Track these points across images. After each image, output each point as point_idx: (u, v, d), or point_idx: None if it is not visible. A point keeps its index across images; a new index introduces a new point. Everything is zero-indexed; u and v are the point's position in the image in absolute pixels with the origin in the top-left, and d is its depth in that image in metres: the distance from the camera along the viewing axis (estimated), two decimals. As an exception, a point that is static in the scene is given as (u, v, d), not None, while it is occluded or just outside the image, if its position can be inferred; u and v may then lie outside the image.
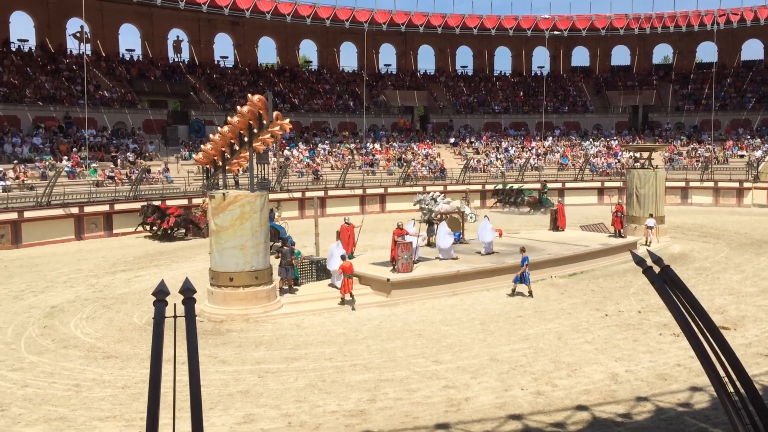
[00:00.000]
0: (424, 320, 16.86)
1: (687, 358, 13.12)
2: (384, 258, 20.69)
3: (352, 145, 47.54)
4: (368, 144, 48.24)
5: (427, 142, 50.68)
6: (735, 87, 55.94)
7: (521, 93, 58.03)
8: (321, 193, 37.09)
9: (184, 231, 31.04)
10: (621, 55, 62.22)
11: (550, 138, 53.20)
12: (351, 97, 53.36)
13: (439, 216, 24.87)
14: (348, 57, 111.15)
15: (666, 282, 4.40)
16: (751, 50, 68.95)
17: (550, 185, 44.46)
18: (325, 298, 18.24)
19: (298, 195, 38.20)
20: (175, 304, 6.21)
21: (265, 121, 17.28)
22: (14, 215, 28.03)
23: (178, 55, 49.93)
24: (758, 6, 52.11)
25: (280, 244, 22.72)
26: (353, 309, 17.75)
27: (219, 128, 19.28)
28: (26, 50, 42.61)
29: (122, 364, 13.69)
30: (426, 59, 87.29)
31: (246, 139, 17.59)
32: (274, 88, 48.97)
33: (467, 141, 51.84)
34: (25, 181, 31.07)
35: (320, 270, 20.06)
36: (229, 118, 18.34)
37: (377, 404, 11.48)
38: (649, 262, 4.72)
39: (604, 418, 10.68)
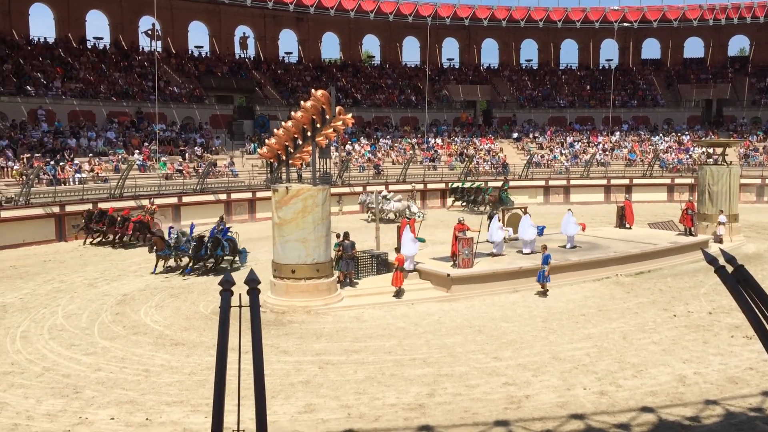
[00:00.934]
0: (484, 316, 16.73)
1: (760, 361, 12.59)
2: (444, 253, 20.61)
3: (414, 140, 47.50)
4: (430, 139, 48.11)
5: (489, 137, 50.17)
6: (818, 79, 53.09)
7: (588, 87, 56.69)
8: (382, 188, 37.24)
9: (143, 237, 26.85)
10: (694, 47, 59.85)
11: (618, 133, 51.80)
12: (413, 91, 53.31)
13: (489, 209, 24.58)
14: (410, 51, 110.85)
15: (739, 282, 4.23)
16: (836, 40, 65.11)
17: (615, 181, 43.34)
18: (385, 291, 18.32)
19: (359, 189, 38.46)
20: (240, 294, 6.37)
21: (327, 116, 17.46)
22: (90, 206, 29.26)
23: (244, 51, 50.99)
24: None
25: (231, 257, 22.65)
26: (395, 297, 17.93)
27: (283, 123, 19.59)
28: (101, 48, 44.34)
29: (189, 351, 14.12)
30: (489, 53, 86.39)
31: (309, 133, 17.82)
32: (337, 83, 49.41)
33: (531, 136, 51.05)
34: (100, 174, 32.36)
35: (380, 264, 20.16)
36: (292, 113, 18.62)
37: (436, 399, 11.47)
38: (721, 261, 4.54)
39: (670, 420, 10.36)
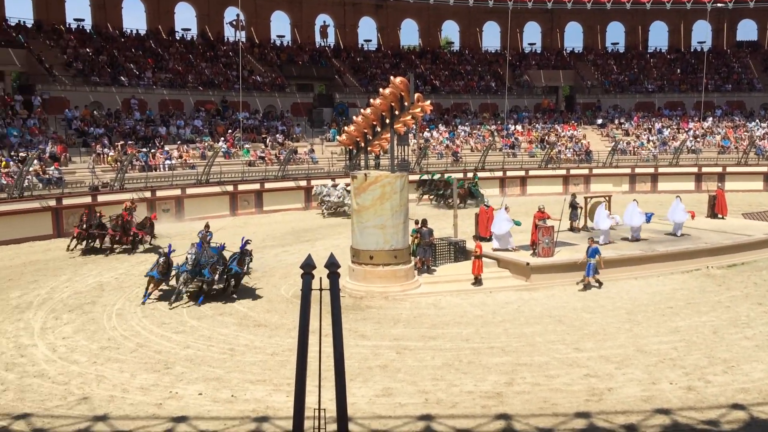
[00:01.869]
0: (564, 306, 16.40)
1: None
2: (524, 241, 20.29)
3: (493, 127, 46.84)
4: (509, 125, 47.32)
5: (572, 123, 48.83)
6: None
7: (678, 70, 54.17)
8: (460, 175, 36.98)
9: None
10: (796, 27, 56.00)
11: (710, 118, 49.32)
12: (493, 77, 52.52)
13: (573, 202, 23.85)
14: (491, 37, 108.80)
15: None
16: None
17: (707, 169, 41.35)
18: (463, 279, 18.22)
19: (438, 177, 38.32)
20: (320, 278, 6.48)
21: (406, 103, 17.47)
22: (178, 192, 30.54)
23: (325, 39, 51.58)
24: None
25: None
26: (473, 285, 17.81)
27: (362, 110, 19.76)
28: (189, 39, 45.93)
29: (271, 332, 14.55)
30: (573, 37, 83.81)
31: (387, 120, 17.89)
32: (416, 70, 49.25)
33: (616, 122, 49.34)
34: (187, 161, 33.64)
35: (458, 251, 20.07)
36: (371, 100, 18.74)
37: (514, 388, 11.37)
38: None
39: (763, 419, 9.88)
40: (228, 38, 47.14)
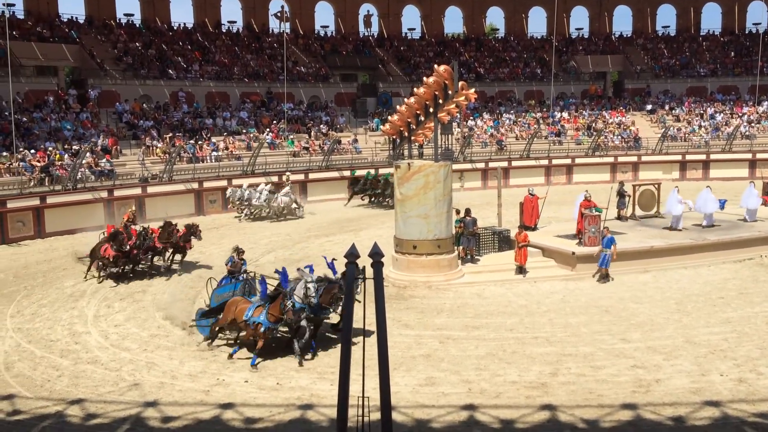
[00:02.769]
0: (611, 296, 16.14)
1: None
2: (569, 231, 20.00)
3: (539, 114, 46.14)
4: (555, 113, 46.53)
5: (620, 109, 47.72)
6: None
7: (732, 53, 52.32)
8: (504, 164, 36.58)
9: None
10: None
11: (765, 103, 47.54)
12: (539, 64, 51.68)
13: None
14: (537, 22, 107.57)
15: None
16: None
17: (762, 155, 39.90)
18: (506, 269, 18.09)
19: (482, 165, 37.99)
20: (364, 267, 6.53)
21: (450, 92, 17.36)
22: (224, 183, 31.03)
23: (368, 29, 51.51)
24: None
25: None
26: (517, 275, 17.66)
27: (405, 100, 19.71)
28: (234, 31, 46.51)
29: (315, 321, 14.69)
30: (622, 21, 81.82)
31: (431, 109, 17.82)
32: (460, 57, 48.79)
33: (666, 108, 48.03)
34: (234, 152, 34.15)
35: (502, 241, 19.92)
36: (415, 89, 18.67)
37: (559, 378, 11.26)
38: None
39: (820, 415, 9.57)
40: (273, 30, 47.55)
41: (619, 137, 42.99)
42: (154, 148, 32.29)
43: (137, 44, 40.39)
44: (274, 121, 38.66)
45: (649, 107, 48.20)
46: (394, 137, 19.83)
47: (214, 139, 34.62)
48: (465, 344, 13.04)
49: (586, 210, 19.20)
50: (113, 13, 41.86)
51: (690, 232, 20.25)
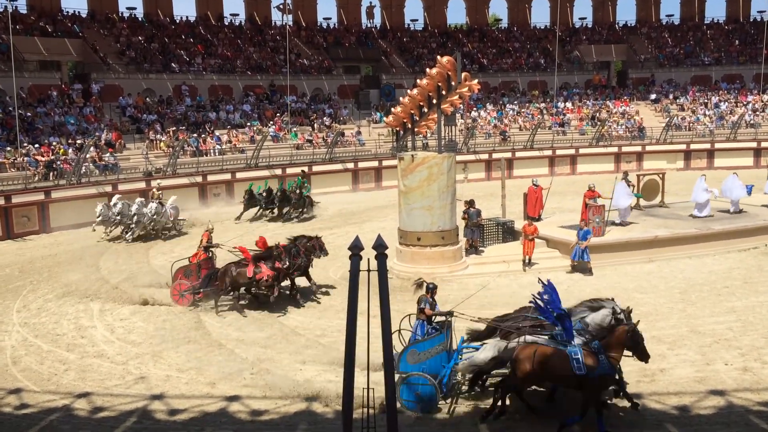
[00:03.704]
0: (616, 287, 16.12)
1: None
2: (573, 221, 19.97)
3: (542, 105, 45.99)
4: (559, 103, 46.40)
5: (624, 99, 47.54)
6: None
7: (736, 42, 52.02)
8: (508, 155, 36.48)
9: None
10: None
11: (771, 91, 47.31)
12: (542, 54, 51.49)
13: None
14: (540, 12, 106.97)
15: None
16: None
17: (767, 143, 39.70)
18: (511, 260, 18.09)
19: (485, 156, 37.92)
20: (368, 259, 6.53)
21: (453, 83, 17.32)
22: (228, 176, 31.07)
23: (371, 20, 51.38)
24: None
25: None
26: (525, 270, 17.57)
27: (408, 91, 19.67)
28: (237, 24, 46.42)
29: (319, 314, 14.75)
30: (626, 10, 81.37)
31: (434, 101, 17.78)
32: (463, 48, 48.61)
33: (671, 97, 47.82)
34: (237, 145, 34.16)
35: (506, 232, 19.90)
36: (418, 80, 18.63)
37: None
38: None
39: (825, 403, 9.57)
40: (275, 22, 47.46)
41: (623, 127, 42.85)
42: (158, 141, 32.31)
43: (140, 38, 40.36)
44: (278, 114, 38.64)
45: (653, 96, 48.00)
46: (398, 129, 19.79)
47: (217, 133, 34.63)
48: (470, 335, 13.03)
49: (590, 200, 19.17)
50: (115, 7, 41.83)
51: (696, 222, 20.20)
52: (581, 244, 17.23)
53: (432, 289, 11.28)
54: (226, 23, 45.98)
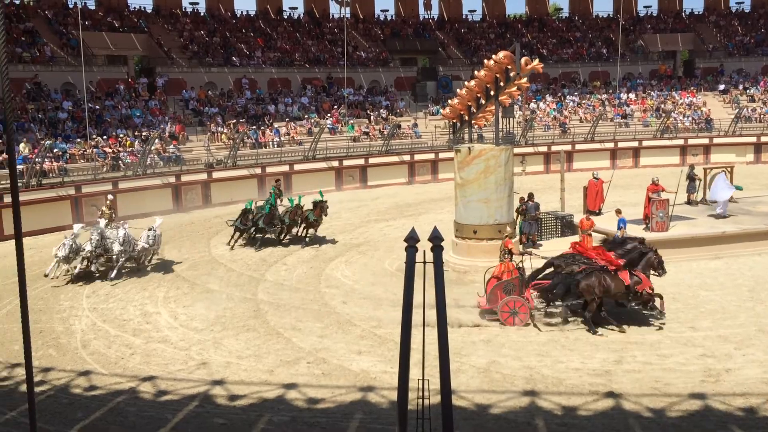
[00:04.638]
0: (679, 283, 15.64)
1: None
2: (635, 216, 19.45)
3: (604, 96, 44.88)
4: (622, 94, 45.17)
5: (691, 89, 45.93)
6: None
7: (813, 28, 49.58)
8: (568, 147, 35.80)
9: None
10: None
11: None
12: (604, 44, 50.19)
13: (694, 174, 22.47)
14: (602, 1, 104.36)
15: None
16: None
17: None
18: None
19: (544, 149, 37.32)
20: (424, 251, 6.54)
21: (512, 74, 17.07)
22: (286, 168, 31.54)
23: (428, 12, 51.13)
24: None
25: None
26: None
27: (466, 83, 19.51)
28: (296, 18, 46.96)
29: (375, 305, 14.84)
30: (693, -4, 78.61)
31: (492, 92, 17.58)
32: (522, 39, 47.87)
33: (740, 87, 45.94)
34: (295, 137, 34.62)
35: (565, 226, 19.55)
36: (475, 72, 18.45)
37: (624, 366, 11.04)
38: None
39: None
40: (333, 15, 47.77)
41: (690, 119, 41.45)
42: (219, 134, 33.04)
43: (202, 32, 41.31)
44: (335, 107, 38.94)
45: (721, 87, 46.21)
46: (454, 121, 19.68)
47: (276, 125, 35.16)
48: (526, 330, 12.91)
49: (653, 194, 18.63)
50: (179, 3, 42.91)
51: (764, 218, 19.40)
52: (620, 232, 16.87)
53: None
54: (285, 17, 46.56)
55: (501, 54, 16.99)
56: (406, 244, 6.67)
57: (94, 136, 28.53)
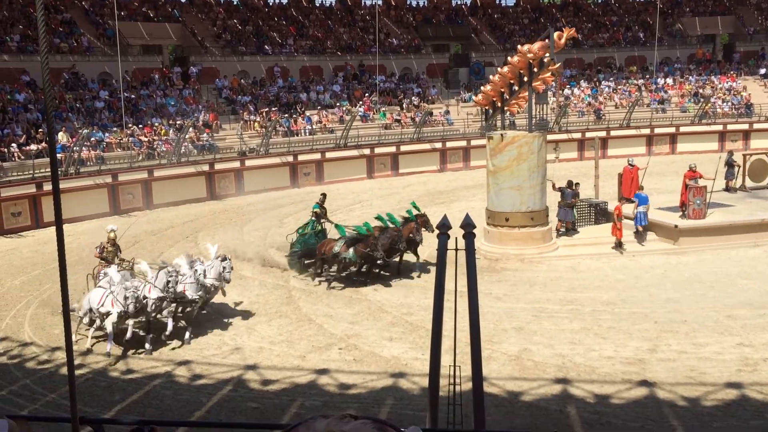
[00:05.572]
0: (717, 272, 15.36)
1: None
2: (672, 203, 19.11)
3: (640, 81, 43.99)
4: (659, 79, 44.24)
5: (731, 74, 44.74)
6: None
7: None
8: (602, 134, 35.23)
9: None
10: None
11: None
12: (641, 28, 49.16)
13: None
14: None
15: None
16: None
17: None
18: (603, 242, 17.55)
19: (578, 136, 36.79)
20: (456, 239, 6.54)
21: (545, 60, 16.86)
22: (318, 156, 31.67)
23: (461, -3, 50.65)
24: None
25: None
26: (615, 248, 17.16)
27: (498, 69, 19.32)
28: (327, 5, 46.97)
29: (406, 292, 14.88)
30: (733, -22, 76.44)
31: (525, 78, 17.39)
32: (557, 24, 47.09)
33: (782, 71, 44.63)
34: (327, 125, 34.72)
35: (599, 213, 19.31)
36: (509, 58, 18.25)
37: (658, 355, 10.90)
38: None
39: None
40: (365, 2, 47.63)
41: (729, 104, 40.43)
42: (252, 122, 33.29)
43: (235, 21, 41.56)
44: (366, 94, 38.91)
45: (762, 71, 44.94)
46: (487, 108, 19.52)
47: (308, 113, 35.29)
48: (558, 318, 12.83)
49: (690, 181, 18.28)
50: (212, -8, 43.22)
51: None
52: (641, 208, 16.80)
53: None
54: (318, 4, 46.57)
55: (536, 46, 16.77)
56: (437, 232, 6.69)
57: (129, 125, 29.00)
